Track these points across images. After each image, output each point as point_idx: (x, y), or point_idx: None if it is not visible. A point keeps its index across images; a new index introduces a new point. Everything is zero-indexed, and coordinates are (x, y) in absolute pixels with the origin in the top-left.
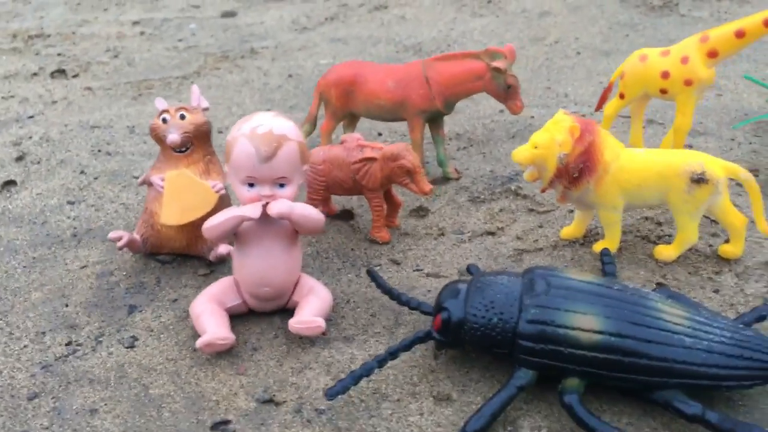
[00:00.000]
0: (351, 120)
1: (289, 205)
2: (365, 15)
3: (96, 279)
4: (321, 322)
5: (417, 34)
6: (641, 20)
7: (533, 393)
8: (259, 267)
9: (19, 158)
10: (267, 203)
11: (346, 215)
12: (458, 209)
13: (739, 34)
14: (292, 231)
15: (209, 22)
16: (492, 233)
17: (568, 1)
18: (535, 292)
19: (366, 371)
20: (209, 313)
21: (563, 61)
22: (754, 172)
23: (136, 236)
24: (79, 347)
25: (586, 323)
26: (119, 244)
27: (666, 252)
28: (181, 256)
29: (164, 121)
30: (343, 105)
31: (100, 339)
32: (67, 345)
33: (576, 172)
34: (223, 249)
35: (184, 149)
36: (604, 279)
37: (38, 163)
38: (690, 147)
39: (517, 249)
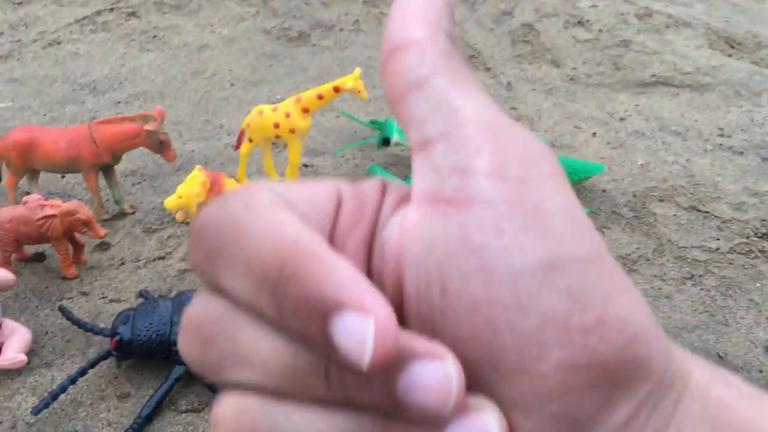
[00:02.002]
0: (33, 173)
1: None
2: (40, 51)
3: None
4: (23, 357)
5: (91, 72)
6: (282, 51)
7: (187, 381)
8: None
9: None
10: None
11: (39, 257)
12: (135, 240)
13: (320, 97)
14: None
15: None
16: (162, 258)
17: (224, 35)
18: (181, 312)
19: (61, 389)
20: None
21: (220, 92)
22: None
23: None
24: None
25: None
26: None
27: None
28: None
29: None
30: (24, 164)
31: None
32: None
33: None
34: None
35: None
36: None
37: None
38: (311, 166)
39: (181, 269)
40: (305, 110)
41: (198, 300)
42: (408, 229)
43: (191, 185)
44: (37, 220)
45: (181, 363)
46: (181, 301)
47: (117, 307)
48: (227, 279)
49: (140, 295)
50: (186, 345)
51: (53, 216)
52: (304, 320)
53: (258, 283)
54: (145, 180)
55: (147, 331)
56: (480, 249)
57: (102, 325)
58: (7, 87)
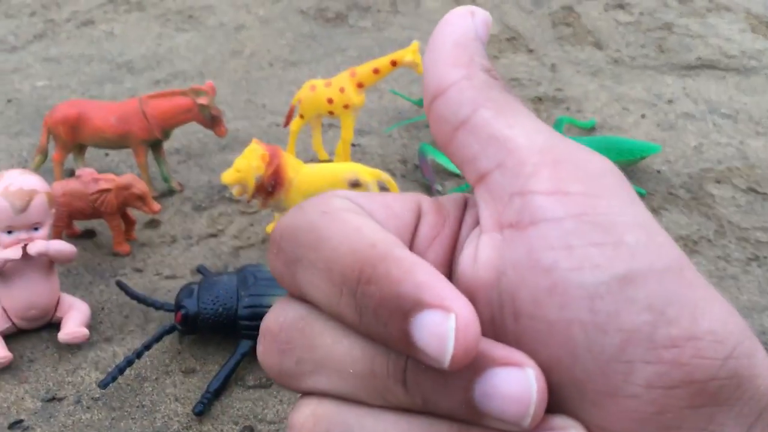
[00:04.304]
0: (80, 149)
1: (45, 244)
2: (74, 31)
3: None
4: (85, 331)
5: (127, 51)
6: (319, 31)
7: (254, 356)
8: (26, 295)
9: None
10: (26, 245)
11: (89, 234)
12: (185, 217)
13: (375, 71)
14: (49, 262)
15: None
16: (214, 235)
17: (260, 15)
18: (246, 285)
19: (127, 363)
20: None
21: (259, 72)
22: (404, 161)
23: None
24: None
25: None
26: None
27: None
28: None
29: None
30: (72, 139)
31: None
32: None
33: (270, 187)
34: None
35: None
36: None
37: None
38: (358, 146)
39: (234, 246)
40: (360, 85)
41: (277, 307)
42: (477, 258)
43: (249, 159)
44: (92, 194)
45: (248, 337)
46: (245, 274)
47: (173, 284)
48: (307, 284)
49: (198, 270)
50: (264, 352)
51: (108, 190)
52: (384, 321)
53: (337, 286)
54: (190, 158)
55: (213, 304)
56: (549, 269)
57: (162, 300)
58: (43, 66)
